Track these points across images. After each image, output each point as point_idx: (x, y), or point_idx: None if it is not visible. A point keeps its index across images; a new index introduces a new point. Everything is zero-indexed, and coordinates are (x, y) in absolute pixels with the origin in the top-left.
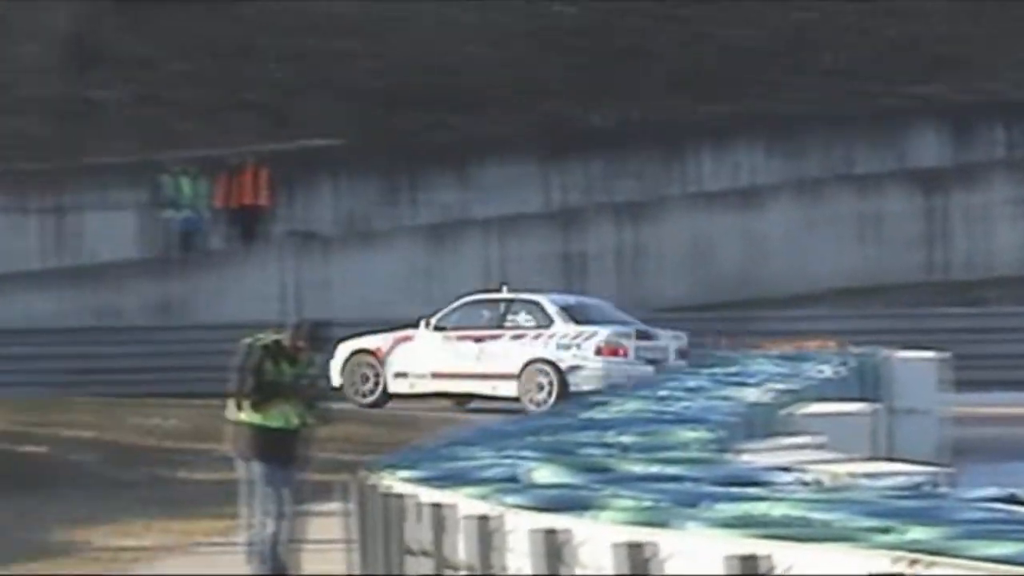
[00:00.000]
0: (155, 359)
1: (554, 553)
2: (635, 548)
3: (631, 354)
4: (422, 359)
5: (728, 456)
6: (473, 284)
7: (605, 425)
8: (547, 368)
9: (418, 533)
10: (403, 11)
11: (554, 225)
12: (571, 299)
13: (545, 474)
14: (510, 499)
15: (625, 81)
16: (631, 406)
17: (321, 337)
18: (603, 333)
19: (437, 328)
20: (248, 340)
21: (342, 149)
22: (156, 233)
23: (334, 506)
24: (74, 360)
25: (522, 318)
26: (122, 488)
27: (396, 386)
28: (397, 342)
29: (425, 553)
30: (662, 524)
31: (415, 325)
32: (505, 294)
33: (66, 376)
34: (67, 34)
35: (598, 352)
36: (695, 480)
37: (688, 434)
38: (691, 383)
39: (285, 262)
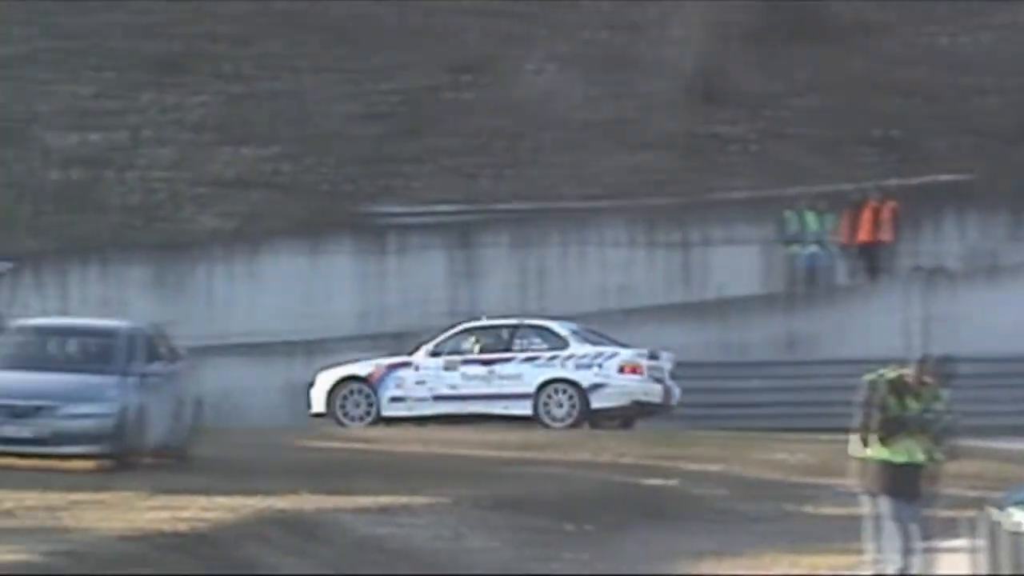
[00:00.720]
0: (780, 394)
1: None
2: None
3: (645, 373)
4: (422, 383)
5: None
6: None
7: None
8: (567, 387)
9: None
10: None
11: None
12: (574, 324)
13: None
14: None
15: None
16: None
17: (946, 372)
18: (624, 353)
19: (434, 354)
20: (872, 376)
21: (968, 183)
22: (780, 268)
23: (961, 543)
24: (701, 394)
25: (532, 341)
26: (748, 522)
27: (392, 410)
28: (391, 368)
29: None
30: None
31: None
32: (510, 320)
33: (693, 410)
34: (694, 70)
35: (621, 370)
36: None
37: None
38: None
39: (910, 297)
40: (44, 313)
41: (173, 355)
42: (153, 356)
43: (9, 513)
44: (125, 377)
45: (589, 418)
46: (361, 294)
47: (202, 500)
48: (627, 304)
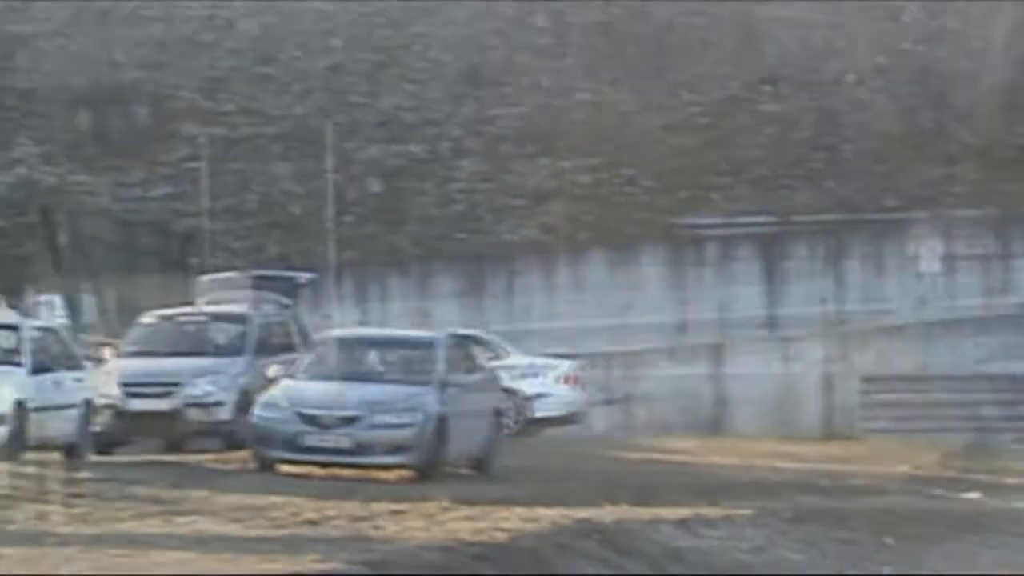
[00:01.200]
0: None
1: None
2: None
3: (579, 384)
4: None
5: None
6: None
7: None
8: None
9: None
10: None
11: None
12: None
13: None
14: None
15: None
16: None
17: None
18: (566, 364)
19: None
20: None
21: None
22: None
23: None
24: (1010, 407)
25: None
26: None
27: None
28: None
29: None
30: None
31: None
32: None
33: (999, 423)
34: (1005, 81)
35: (564, 381)
36: None
37: None
38: None
39: None
40: (363, 323)
41: (478, 366)
42: (460, 367)
43: (312, 523)
44: (434, 388)
45: (529, 427)
46: (672, 305)
47: (504, 510)
48: (936, 315)
